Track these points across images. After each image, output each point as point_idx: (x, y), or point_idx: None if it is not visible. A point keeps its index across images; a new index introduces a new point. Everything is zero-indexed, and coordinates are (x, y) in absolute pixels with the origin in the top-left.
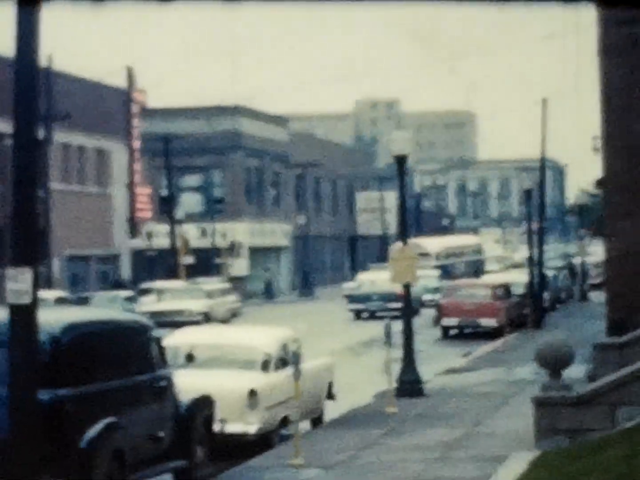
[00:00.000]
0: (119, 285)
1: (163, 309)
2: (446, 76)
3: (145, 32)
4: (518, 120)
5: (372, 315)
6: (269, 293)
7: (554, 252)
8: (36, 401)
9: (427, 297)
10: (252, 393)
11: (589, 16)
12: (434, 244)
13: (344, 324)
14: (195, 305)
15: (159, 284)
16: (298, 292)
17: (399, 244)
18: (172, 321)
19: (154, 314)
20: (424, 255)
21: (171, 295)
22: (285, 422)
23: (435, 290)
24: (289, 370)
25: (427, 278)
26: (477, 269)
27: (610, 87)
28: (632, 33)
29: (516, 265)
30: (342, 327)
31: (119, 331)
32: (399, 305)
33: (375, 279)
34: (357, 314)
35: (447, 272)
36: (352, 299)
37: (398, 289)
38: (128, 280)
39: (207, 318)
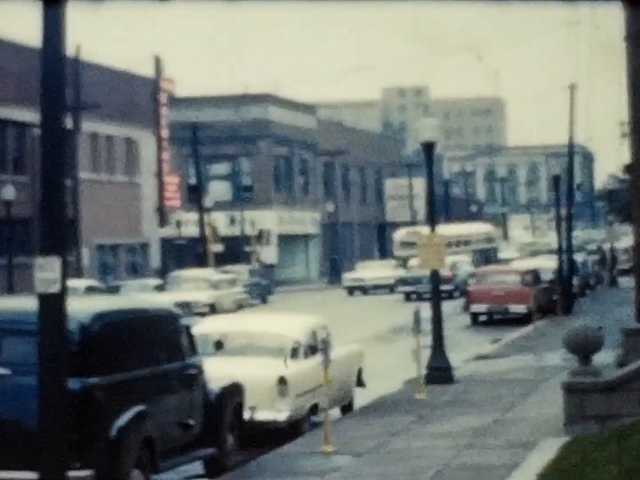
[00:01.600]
0: (161, 273)
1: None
2: (474, 63)
3: (168, 23)
4: (546, 106)
5: (420, 297)
6: None
7: (580, 238)
8: (66, 390)
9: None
10: (282, 380)
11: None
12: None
13: (392, 306)
14: (201, 296)
15: (190, 272)
16: (327, 279)
17: (401, 232)
18: None
19: None
20: None
21: (177, 286)
22: (315, 409)
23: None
24: (318, 358)
25: (465, 263)
26: (487, 257)
27: (636, 72)
28: None
29: (540, 252)
30: (389, 309)
31: (148, 319)
32: (446, 287)
33: None
34: (407, 296)
35: None
36: (402, 282)
37: (445, 272)
38: (156, 269)
39: (213, 310)
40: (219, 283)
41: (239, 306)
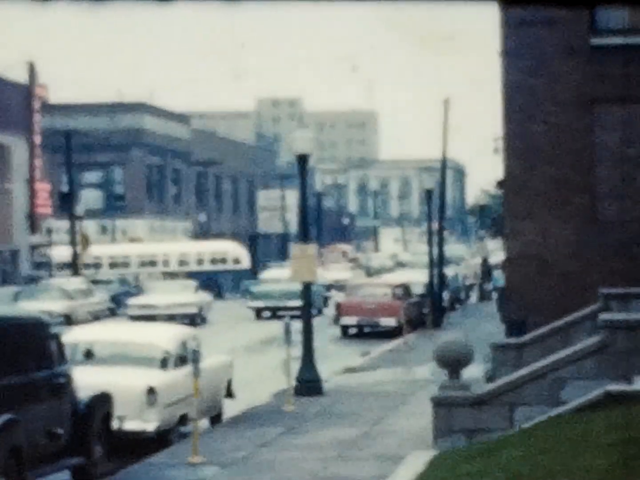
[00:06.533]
0: (31, 281)
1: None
2: (348, 75)
3: (44, 27)
4: (420, 121)
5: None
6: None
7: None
8: None
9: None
10: (151, 390)
11: (494, 17)
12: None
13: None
14: (55, 306)
15: (48, 282)
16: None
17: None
18: None
19: None
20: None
21: (32, 295)
22: (184, 419)
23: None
24: (188, 368)
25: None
26: (217, 282)
27: (511, 88)
28: (532, 35)
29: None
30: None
31: (16, 327)
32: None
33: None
34: None
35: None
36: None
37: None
38: (26, 277)
39: (68, 320)
40: (74, 293)
41: (96, 317)
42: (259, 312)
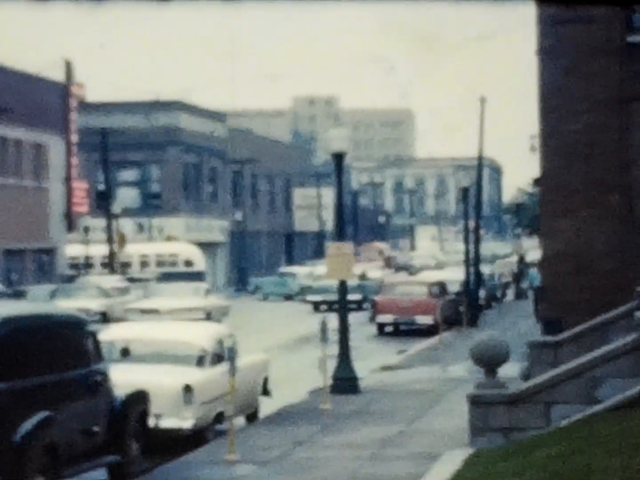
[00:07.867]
0: (69, 279)
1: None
2: (384, 74)
3: (81, 27)
4: (456, 119)
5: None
6: None
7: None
8: None
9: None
10: (188, 388)
11: (531, 15)
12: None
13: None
14: (92, 304)
15: (84, 279)
16: (234, 288)
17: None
18: None
19: None
20: None
21: (69, 293)
22: (220, 417)
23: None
24: (224, 366)
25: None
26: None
27: (548, 86)
28: (568, 33)
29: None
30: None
31: (54, 325)
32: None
33: None
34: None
35: None
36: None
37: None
38: (64, 275)
39: (105, 318)
40: (111, 291)
41: None
42: (316, 306)
